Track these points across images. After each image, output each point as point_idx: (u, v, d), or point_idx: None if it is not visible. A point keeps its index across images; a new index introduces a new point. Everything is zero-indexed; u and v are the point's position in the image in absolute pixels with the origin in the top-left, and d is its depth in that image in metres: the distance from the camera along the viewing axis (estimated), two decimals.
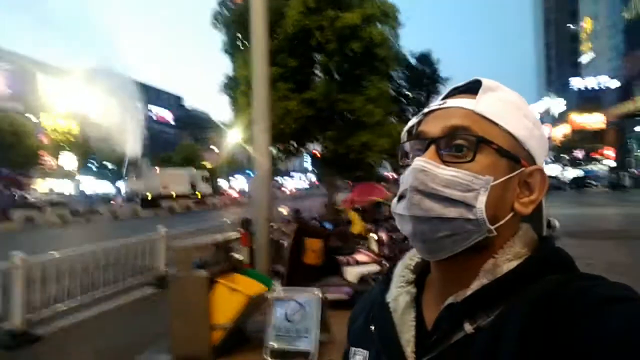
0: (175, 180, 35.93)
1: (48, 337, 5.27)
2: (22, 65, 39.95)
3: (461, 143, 0.63)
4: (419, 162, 0.63)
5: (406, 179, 0.64)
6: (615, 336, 0.47)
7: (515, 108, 0.67)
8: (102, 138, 37.88)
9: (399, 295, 0.71)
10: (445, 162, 0.63)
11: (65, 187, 39.30)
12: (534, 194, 0.66)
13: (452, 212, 0.61)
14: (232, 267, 4.76)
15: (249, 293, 4.33)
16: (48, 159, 37.22)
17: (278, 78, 10.35)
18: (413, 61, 18.38)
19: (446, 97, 0.70)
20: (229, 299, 4.29)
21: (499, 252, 0.63)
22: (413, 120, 0.71)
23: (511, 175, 0.64)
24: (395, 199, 0.67)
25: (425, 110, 0.70)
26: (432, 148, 0.64)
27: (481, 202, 0.61)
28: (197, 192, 37.01)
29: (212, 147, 50.86)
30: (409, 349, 0.65)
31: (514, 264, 0.62)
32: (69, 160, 39.78)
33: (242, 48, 11.84)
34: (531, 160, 0.66)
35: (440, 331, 0.62)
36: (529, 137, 0.66)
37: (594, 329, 0.49)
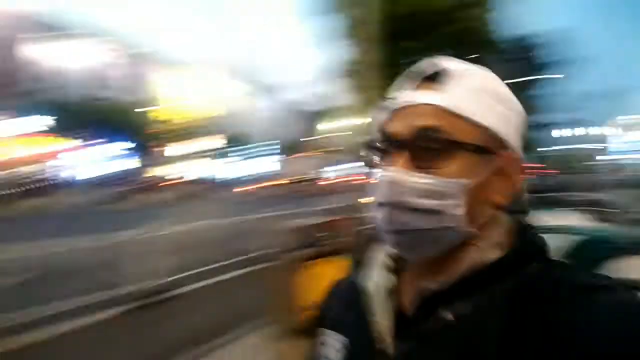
0: (305, 165, 39.15)
1: (180, 297, 5.86)
2: (142, 55, 41.26)
3: (431, 146, 0.61)
4: (390, 173, 0.62)
5: (380, 189, 0.63)
6: (598, 324, 0.48)
7: (485, 94, 0.63)
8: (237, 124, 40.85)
9: (380, 281, 0.70)
10: (417, 168, 0.61)
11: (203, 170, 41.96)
12: (511, 182, 0.65)
13: (430, 222, 0.60)
14: (333, 250, 4.91)
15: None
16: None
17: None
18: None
19: (411, 85, 0.66)
20: (322, 281, 4.38)
21: (480, 243, 0.63)
22: (381, 115, 0.68)
23: (487, 170, 0.63)
24: (372, 204, 0.65)
25: (393, 106, 0.66)
26: (402, 153, 0.62)
27: (459, 209, 0.61)
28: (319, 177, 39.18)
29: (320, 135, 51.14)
30: (388, 335, 0.65)
31: (495, 254, 0.62)
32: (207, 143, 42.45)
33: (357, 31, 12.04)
34: (506, 146, 0.64)
35: (420, 319, 0.62)
36: (502, 124, 0.63)
37: (577, 317, 0.51)
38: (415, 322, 0.62)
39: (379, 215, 0.63)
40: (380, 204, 0.62)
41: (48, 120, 28.47)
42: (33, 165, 28.15)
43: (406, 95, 0.65)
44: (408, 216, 0.61)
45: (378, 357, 0.64)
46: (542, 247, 0.64)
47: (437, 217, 0.60)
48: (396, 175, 0.61)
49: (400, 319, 0.66)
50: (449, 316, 0.59)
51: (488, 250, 0.63)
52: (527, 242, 0.64)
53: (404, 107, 0.64)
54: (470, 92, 0.63)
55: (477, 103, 0.62)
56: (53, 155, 29.67)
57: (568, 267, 0.61)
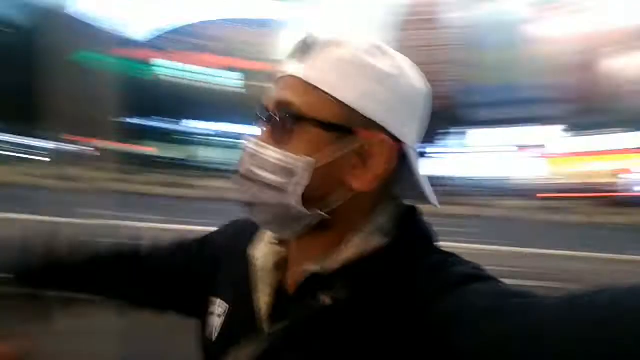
0: None
1: None
2: None
3: (285, 119, 0.59)
4: (249, 144, 0.61)
5: (239, 159, 0.62)
6: (473, 313, 0.47)
7: (351, 67, 0.58)
8: None
9: (268, 253, 0.67)
10: (272, 141, 0.60)
11: None
12: (372, 166, 0.59)
13: (271, 197, 0.59)
14: None
15: None
16: None
17: None
18: None
19: (292, 55, 0.63)
20: None
21: (364, 229, 0.61)
22: (272, 83, 0.65)
23: (342, 150, 0.59)
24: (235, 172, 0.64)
25: (278, 74, 0.64)
26: (265, 125, 0.62)
27: (299, 187, 0.58)
28: None
29: None
30: (264, 311, 0.64)
31: (377, 240, 0.60)
32: None
33: None
34: (374, 126, 0.59)
35: (299, 300, 0.60)
36: (368, 102, 0.58)
37: (451, 307, 0.49)
38: (294, 303, 0.61)
39: (234, 185, 0.63)
40: (235, 173, 0.62)
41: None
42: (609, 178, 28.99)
43: (283, 66, 0.63)
44: (255, 189, 0.60)
45: (252, 332, 0.63)
46: (424, 233, 0.63)
47: (277, 193, 0.59)
48: (251, 146, 0.61)
49: (281, 296, 0.64)
50: (327, 300, 0.58)
51: (373, 237, 0.61)
52: (411, 228, 0.62)
53: (280, 78, 0.63)
54: (333, 64, 0.59)
55: (340, 76, 0.58)
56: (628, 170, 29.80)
57: (445, 254, 0.60)
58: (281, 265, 0.67)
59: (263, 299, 0.65)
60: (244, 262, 0.69)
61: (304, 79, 0.59)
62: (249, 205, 0.61)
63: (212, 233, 0.83)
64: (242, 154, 0.62)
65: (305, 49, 0.61)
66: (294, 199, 0.58)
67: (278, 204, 0.59)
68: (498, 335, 0.42)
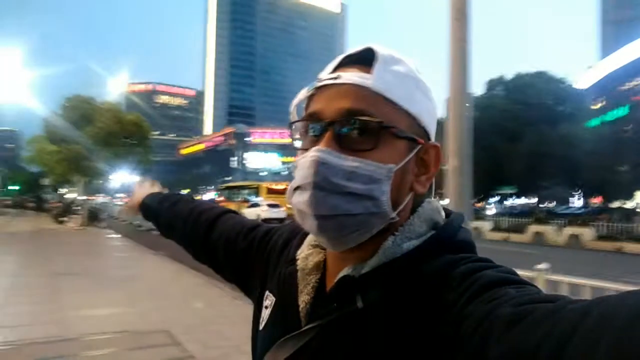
0: None
1: None
2: None
3: (360, 128, 0.59)
4: (318, 153, 0.58)
5: (305, 170, 0.59)
6: (501, 320, 0.44)
7: (410, 81, 0.63)
8: None
9: (309, 254, 0.71)
10: (343, 150, 0.59)
11: None
12: (429, 171, 0.65)
13: (357, 207, 0.58)
14: None
15: None
16: None
17: None
18: None
19: (338, 67, 0.64)
20: None
21: (399, 231, 0.62)
22: (303, 93, 0.65)
23: (410, 157, 0.62)
24: (290, 189, 0.63)
25: (317, 83, 0.63)
26: (329, 133, 0.60)
27: (386, 194, 0.59)
28: None
29: None
30: (303, 310, 0.66)
31: (413, 243, 0.61)
32: None
33: None
34: (425, 135, 0.64)
35: (333, 301, 0.62)
36: (423, 113, 0.63)
37: (479, 312, 0.47)
38: (329, 305, 0.62)
39: (302, 198, 0.59)
40: (304, 186, 0.59)
41: None
42: None
43: (332, 74, 0.63)
44: (335, 199, 0.58)
45: (292, 329, 0.65)
46: (462, 239, 0.63)
47: (365, 201, 0.59)
48: (323, 155, 0.58)
49: (320, 296, 0.66)
50: (359, 303, 0.58)
51: (406, 239, 0.62)
52: (447, 233, 0.63)
53: (327, 86, 0.62)
54: (398, 76, 0.62)
55: (404, 89, 0.62)
56: None
57: (479, 260, 0.57)
58: (320, 267, 0.69)
59: (302, 298, 0.67)
60: (292, 263, 0.73)
61: (374, 89, 0.59)
62: (323, 218, 0.59)
63: (275, 229, 0.88)
64: (305, 164, 0.59)
65: (365, 61, 0.62)
66: (386, 206, 0.60)
67: (365, 213, 0.59)
68: (525, 343, 0.40)
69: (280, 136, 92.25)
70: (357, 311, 0.58)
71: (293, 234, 0.80)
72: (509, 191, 34.63)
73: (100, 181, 34.35)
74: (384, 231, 0.62)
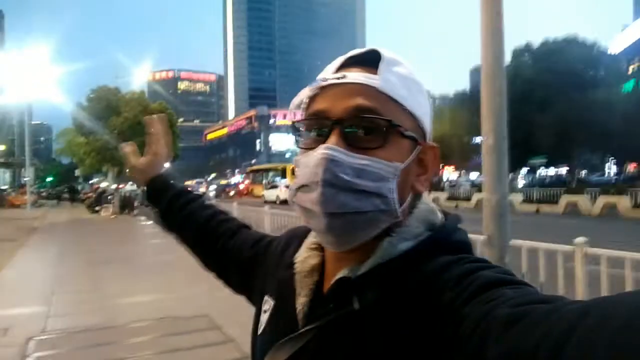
0: None
1: None
2: None
3: (368, 126, 0.60)
4: (328, 150, 0.58)
5: (313, 168, 0.59)
6: (498, 320, 0.44)
7: (412, 83, 0.64)
8: None
9: (307, 257, 0.71)
10: (351, 148, 0.59)
11: None
12: (428, 172, 0.66)
13: (367, 205, 0.59)
14: None
15: None
16: None
17: None
18: None
19: (341, 67, 0.64)
20: None
21: (396, 232, 0.62)
22: (305, 93, 0.65)
23: (413, 156, 0.63)
24: (293, 188, 0.63)
25: (321, 82, 0.63)
26: (337, 131, 0.60)
27: (393, 192, 0.60)
28: None
29: None
30: (300, 312, 0.66)
31: (409, 244, 0.61)
32: None
33: None
34: (424, 136, 0.65)
35: (330, 303, 0.62)
36: (424, 114, 0.65)
37: (476, 313, 0.47)
38: (326, 306, 0.62)
39: (309, 197, 0.59)
40: (311, 184, 0.59)
41: None
42: None
43: (336, 74, 0.62)
44: (345, 197, 0.58)
45: (290, 331, 0.65)
46: (459, 240, 0.63)
47: (373, 199, 0.59)
48: (333, 152, 0.58)
49: (319, 299, 0.66)
50: (356, 304, 0.58)
51: (402, 240, 0.62)
52: (444, 234, 0.63)
53: (332, 86, 0.62)
54: (401, 79, 0.62)
55: (408, 91, 0.63)
56: None
57: (476, 261, 0.57)
58: (318, 270, 0.70)
59: (300, 300, 0.68)
60: (289, 266, 0.73)
61: (381, 89, 0.60)
62: (333, 216, 0.58)
63: (274, 238, 0.89)
64: (313, 162, 0.59)
65: (370, 62, 0.62)
66: (395, 204, 0.60)
67: (375, 210, 0.59)
68: (523, 343, 0.40)
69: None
70: (353, 312, 0.58)
71: (291, 239, 0.81)
72: (539, 161, 33.86)
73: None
74: (382, 232, 0.62)
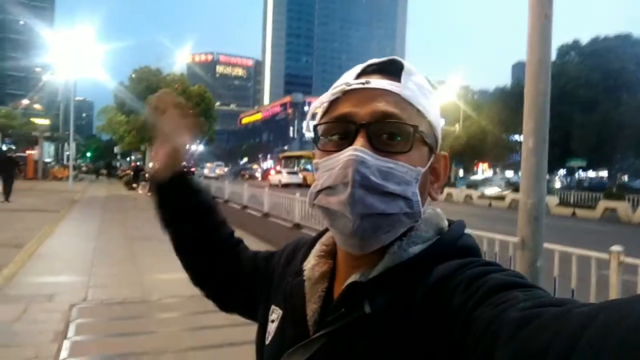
0: None
1: None
2: None
3: (393, 131, 0.61)
4: (358, 152, 0.59)
5: (341, 170, 0.59)
6: (508, 322, 0.44)
7: (429, 94, 0.67)
8: None
9: (316, 264, 0.72)
10: (377, 151, 0.60)
11: None
12: (440, 179, 0.69)
13: (393, 207, 0.60)
14: None
15: None
16: None
17: None
18: None
19: (362, 74, 0.66)
20: None
21: (406, 236, 0.63)
22: (327, 97, 0.65)
23: (430, 163, 0.65)
24: (314, 190, 0.64)
25: (344, 87, 0.64)
26: (363, 134, 0.60)
27: (417, 195, 0.61)
28: None
29: None
30: (312, 319, 0.67)
31: (419, 248, 0.62)
32: None
33: None
34: (437, 145, 0.67)
35: (341, 307, 0.62)
36: (438, 125, 0.67)
37: (487, 316, 0.47)
38: (337, 311, 0.62)
39: (337, 198, 0.60)
40: (339, 186, 0.60)
41: None
42: None
43: (360, 80, 0.64)
44: (373, 199, 0.59)
45: (301, 338, 0.65)
46: (467, 244, 0.64)
47: (399, 202, 0.60)
48: (362, 154, 0.59)
49: (329, 305, 0.66)
50: (367, 309, 0.59)
51: (412, 244, 0.63)
52: (452, 238, 0.64)
53: (356, 90, 0.63)
54: (420, 88, 0.65)
55: (427, 100, 0.65)
56: None
57: (486, 264, 0.58)
58: (327, 276, 0.71)
59: (310, 307, 0.68)
60: (298, 274, 0.73)
61: (404, 97, 0.62)
62: (361, 217, 0.59)
63: (274, 252, 0.90)
64: (341, 163, 0.59)
65: (392, 70, 0.65)
66: (419, 207, 0.62)
67: (401, 213, 0.61)
68: (533, 345, 0.40)
69: None
70: (365, 316, 0.59)
71: (297, 248, 0.82)
72: (578, 163, 32.74)
73: None
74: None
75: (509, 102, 30.32)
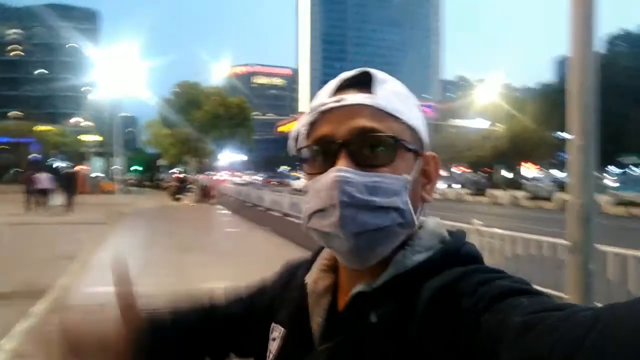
0: None
1: None
2: None
3: (374, 144, 0.61)
4: (341, 173, 0.59)
5: (327, 192, 0.59)
6: (511, 329, 0.45)
7: (406, 98, 0.66)
8: None
9: (318, 278, 0.71)
10: (360, 167, 0.60)
11: None
12: (432, 180, 0.69)
13: (385, 220, 0.60)
14: None
15: None
16: None
17: None
18: None
19: (337, 91, 0.66)
20: None
21: (409, 244, 0.64)
22: (306, 120, 0.66)
23: (417, 169, 0.65)
24: (306, 214, 0.64)
25: (320, 108, 0.64)
26: (344, 153, 0.61)
27: (408, 204, 0.61)
28: None
29: None
30: (317, 332, 0.67)
31: (422, 256, 0.63)
32: None
33: None
34: (423, 147, 0.67)
35: (347, 318, 0.63)
36: (420, 126, 0.66)
37: (491, 323, 0.48)
38: (343, 322, 0.63)
39: (328, 221, 0.60)
40: (328, 208, 0.60)
41: None
42: None
43: (334, 98, 0.64)
44: (364, 215, 0.59)
45: (307, 352, 0.65)
46: (470, 251, 0.64)
47: (391, 213, 0.60)
48: (345, 174, 0.59)
49: (334, 317, 0.67)
50: (373, 318, 0.59)
51: (416, 252, 0.63)
52: (455, 246, 0.64)
53: (332, 110, 0.63)
54: (395, 94, 0.65)
55: (404, 105, 0.65)
56: None
57: (491, 271, 0.58)
58: (331, 290, 0.70)
59: (315, 320, 0.68)
60: (301, 290, 0.73)
61: (380, 107, 0.62)
62: (355, 236, 0.59)
63: (270, 278, 0.88)
64: (326, 185, 0.60)
65: (364, 82, 0.64)
66: (411, 215, 0.62)
67: (395, 224, 0.61)
68: (538, 349, 0.41)
69: None
70: (371, 326, 0.59)
71: (296, 266, 0.82)
72: (631, 159, 31.12)
73: (209, 160, 36.93)
74: (397, 245, 0.63)
75: (553, 98, 29.24)
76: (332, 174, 0.60)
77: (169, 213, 19.93)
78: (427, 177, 0.68)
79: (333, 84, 0.67)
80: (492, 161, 39.30)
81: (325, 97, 0.65)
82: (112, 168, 41.10)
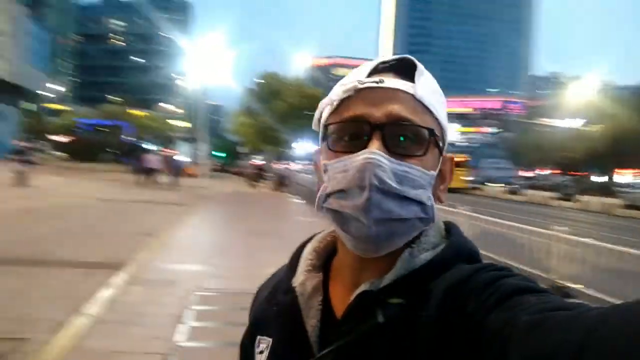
0: None
1: None
2: None
3: (408, 134, 0.59)
4: (375, 156, 0.57)
5: (356, 173, 0.57)
6: (518, 327, 0.45)
7: (439, 95, 0.65)
8: None
9: (306, 279, 0.68)
10: (392, 154, 0.58)
11: None
12: (446, 182, 0.67)
13: (409, 212, 0.58)
14: None
15: None
16: None
17: None
18: None
19: (374, 72, 0.63)
20: None
21: (416, 242, 0.62)
22: (338, 94, 0.61)
23: (439, 165, 0.64)
24: (324, 193, 0.61)
25: (357, 85, 0.60)
26: (378, 136, 0.58)
27: (431, 200, 0.61)
28: None
29: None
30: (313, 335, 0.63)
31: (430, 254, 0.62)
32: None
33: None
34: (445, 147, 0.66)
35: (352, 319, 0.59)
36: (447, 126, 0.65)
37: (498, 322, 0.47)
38: (347, 323, 0.60)
39: (352, 202, 0.57)
40: (354, 190, 0.57)
41: None
42: None
43: (374, 78, 0.61)
44: (391, 203, 0.57)
45: (303, 357, 0.62)
46: (471, 248, 0.64)
47: (414, 206, 0.59)
48: (378, 157, 0.57)
49: (328, 318, 0.64)
50: (380, 317, 0.57)
51: (423, 250, 0.62)
52: (458, 243, 0.63)
53: (369, 89, 0.60)
54: (431, 89, 0.63)
55: (437, 101, 0.63)
56: None
57: (498, 269, 0.57)
58: (320, 289, 0.67)
59: (310, 322, 0.65)
60: (287, 295, 0.68)
61: (418, 98, 0.60)
62: (377, 222, 0.57)
63: (246, 332, 0.78)
64: (357, 166, 0.57)
65: (404, 69, 0.62)
66: (433, 211, 0.61)
67: (416, 218, 0.59)
68: (544, 347, 0.41)
69: (459, 105, 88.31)
70: (378, 326, 0.57)
71: (272, 281, 0.78)
72: None
73: (286, 150, 37.87)
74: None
75: None
76: (364, 155, 0.57)
77: (245, 198, 20.62)
78: (442, 178, 0.66)
79: (370, 65, 0.64)
80: (584, 164, 36.47)
81: (362, 76, 0.62)
82: (197, 153, 43.38)
